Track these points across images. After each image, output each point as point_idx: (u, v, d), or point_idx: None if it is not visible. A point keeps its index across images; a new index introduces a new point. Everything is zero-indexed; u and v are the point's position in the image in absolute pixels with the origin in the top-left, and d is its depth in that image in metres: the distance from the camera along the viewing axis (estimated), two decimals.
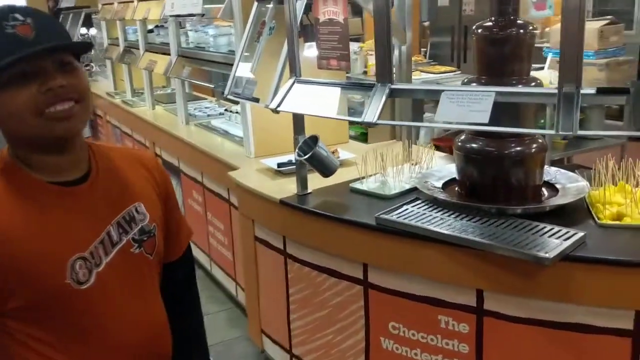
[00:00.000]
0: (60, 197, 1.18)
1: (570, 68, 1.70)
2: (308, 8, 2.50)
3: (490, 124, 1.75)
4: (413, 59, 6.58)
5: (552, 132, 1.67)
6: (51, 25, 1.15)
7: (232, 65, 3.13)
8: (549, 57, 4.45)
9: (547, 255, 1.69)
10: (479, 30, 2.11)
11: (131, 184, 1.31)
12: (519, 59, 2.07)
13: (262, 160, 2.85)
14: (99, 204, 1.23)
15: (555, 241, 1.79)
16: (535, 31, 2.05)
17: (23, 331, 1.15)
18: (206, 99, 4.95)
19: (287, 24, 2.26)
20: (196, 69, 3.71)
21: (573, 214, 2.04)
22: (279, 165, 2.72)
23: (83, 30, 6.86)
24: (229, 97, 2.68)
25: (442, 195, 2.16)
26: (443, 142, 5.54)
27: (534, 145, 2.10)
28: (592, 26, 4.28)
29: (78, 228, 1.19)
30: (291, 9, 2.22)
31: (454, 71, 5.77)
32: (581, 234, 1.82)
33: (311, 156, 2.26)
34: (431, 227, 1.93)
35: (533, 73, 4.45)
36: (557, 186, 2.22)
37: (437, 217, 2.03)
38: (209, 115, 4.26)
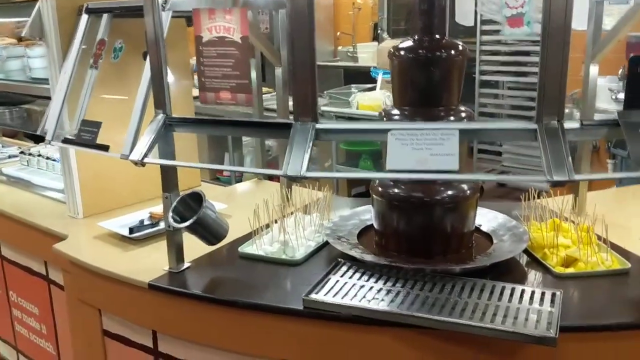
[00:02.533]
0: None
1: (551, 97, 1.39)
2: None
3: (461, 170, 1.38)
4: None
5: (543, 178, 1.35)
6: None
7: (36, 97, 2.37)
8: (380, 77, 4.32)
9: (551, 333, 1.35)
10: (401, 52, 1.74)
11: None
12: (449, 86, 1.73)
13: (101, 224, 2.13)
14: None
15: (539, 308, 1.46)
16: (467, 52, 1.73)
17: None
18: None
19: (150, 42, 1.64)
20: None
21: (517, 263, 1.76)
22: (132, 230, 2.04)
23: None
24: (54, 144, 1.94)
25: (370, 257, 1.73)
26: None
27: (467, 187, 1.78)
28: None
29: None
30: (155, 22, 1.61)
31: None
32: (558, 292, 1.53)
33: (196, 222, 1.67)
34: (386, 307, 1.49)
35: (362, 94, 4.33)
36: (484, 229, 1.94)
37: (377, 288, 1.59)
38: None
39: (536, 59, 5.12)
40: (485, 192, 5.31)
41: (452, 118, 1.71)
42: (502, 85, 5.60)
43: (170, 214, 1.71)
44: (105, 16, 1.98)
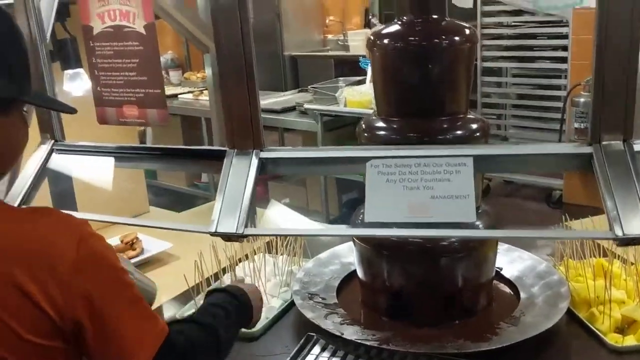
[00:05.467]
0: None
1: (614, 105, 0.90)
2: (66, 11, 1.41)
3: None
4: (195, 76, 5.61)
5: (608, 235, 0.86)
6: None
7: None
8: (370, 68, 3.80)
9: None
10: (384, 40, 1.24)
11: None
12: (454, 86, 1.24)
13: None
14: None
15: None
16: (477, 37, 1.24)
17: None
18: None
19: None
20: None
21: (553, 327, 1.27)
22: None
23: None
24: None
25: (351, 331, 1.24)
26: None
27: (484, 225, 1.29)
28: None
29: None
30: (32, 13, 1.12)
31: None
32: None
33: None
34: None
35: (350, 89, 3.82)
36: (505, 274, 1.45)
37: None
38: None
39: (544, 42, 4.63)
40: (491, 190, 4.82)
41: (459, 132, 1.22)
42: (505, 72, 5.09)
43: None
44: None
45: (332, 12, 7.02)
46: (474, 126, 1.25)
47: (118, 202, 2.01)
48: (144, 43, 1.04)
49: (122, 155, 1.12)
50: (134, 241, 1.76)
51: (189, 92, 4.81)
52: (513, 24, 4.85)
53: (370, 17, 6.24)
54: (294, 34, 6.69)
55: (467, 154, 0.92)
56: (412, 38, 1.22)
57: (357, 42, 6.27)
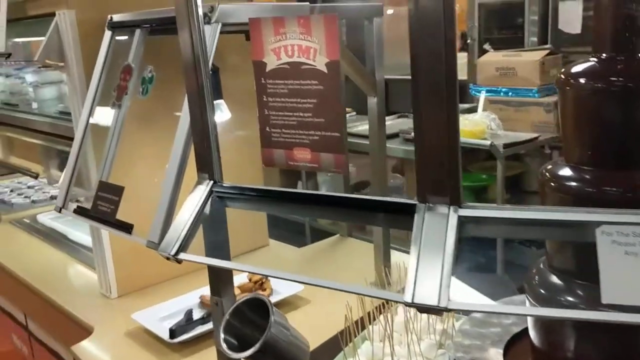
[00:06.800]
0: None
1: None
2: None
3: None
4: None
5: None
6: None
7: (67, 139, 1.87)
8: (482, 96, 3.63)
9: None
10: (580, 79, 1.08)
11: None
12: None
13: (135, 317, 1.58)
14: None
15: None
16: None
17: None
18: (28, 172, 3.47)
19: (188, 73, 1.06)
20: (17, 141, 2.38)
21: None
22: (173, 333, 1.47)
23: None
24: (66, 213, 1.40)
25: None
26: None
27: None
28: (531, 58, 3.52)
29: None
30: (195, 40, 1.04)
31: None
32: None
33: (261, 350, 1.07)
34: None
35: (462, 118, 3.64)
36: None
37: None
38: (34, 202, 2.84)
39: None
40: None
41: None
42: None
43: (222, 335, 1.11)
44: (137, 33, 1.43)
45: None
46: None
47: (241, 235, 1.93)
48: (324, 82, 0.93)
49: (290, 201, 1.01)
50: (264, 281, 1.66)
51: None
52: None
53: (469, 40, 6.06)
54: (386, 57, 6.57)
55: None
56: (615, 78, 1.05)
57: None
